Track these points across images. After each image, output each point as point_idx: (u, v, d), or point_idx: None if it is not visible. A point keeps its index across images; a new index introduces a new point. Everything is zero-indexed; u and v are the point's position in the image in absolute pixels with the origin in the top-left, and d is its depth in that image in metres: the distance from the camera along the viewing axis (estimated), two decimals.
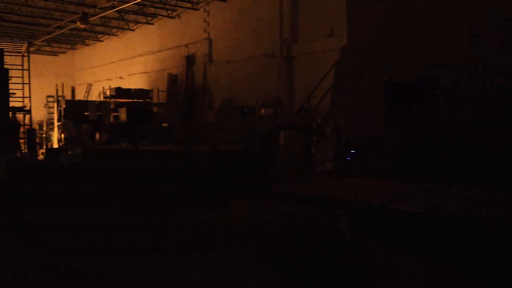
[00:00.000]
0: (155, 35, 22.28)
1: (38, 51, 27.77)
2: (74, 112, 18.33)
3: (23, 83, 13.31)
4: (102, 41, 26.14)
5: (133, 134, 14.18)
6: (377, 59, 8.67)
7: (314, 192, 4.59)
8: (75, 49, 28.73)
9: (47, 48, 27.72)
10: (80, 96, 26.09)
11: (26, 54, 13.71)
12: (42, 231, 4.94)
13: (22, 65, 13.31)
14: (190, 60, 20.18)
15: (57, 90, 20.38)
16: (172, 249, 4.51)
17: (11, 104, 14.68)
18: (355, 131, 8.36)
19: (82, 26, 18.47)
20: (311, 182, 6.74)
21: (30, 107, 13.29)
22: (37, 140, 23.33)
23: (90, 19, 20.00)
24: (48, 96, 23.98)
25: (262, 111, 15.18)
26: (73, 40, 26.70)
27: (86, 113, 18.58)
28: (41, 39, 23.91)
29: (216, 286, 3.95)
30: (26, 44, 13.53)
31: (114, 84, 21.76)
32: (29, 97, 13.58)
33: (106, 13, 18.84)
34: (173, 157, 6.12)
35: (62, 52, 28.74)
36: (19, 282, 4.08)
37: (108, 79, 25.21)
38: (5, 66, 12.23)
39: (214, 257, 4.27)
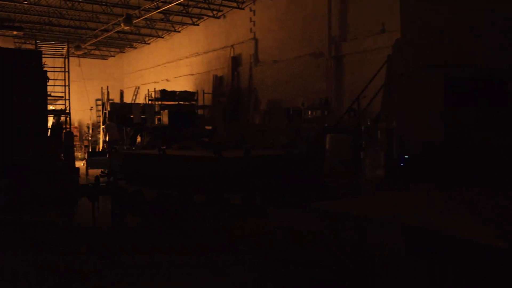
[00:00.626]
0: (201, 36, 21.94)
1: (88, 55, 28.14)
2: (119, 115, 18.18)
3: (64, 86, 13.11)
4: (149, 43, 26.10)
5: (174, 137, 13.78)
6: (435, 54, 7.78)
7: (360, 212, 3.84)
8: (123, 52, 28.88)
9: (97, 52, 28.02)
10: (128, 99, 26.16)
11: (66, 56, 13.48)
12: None
13: (65, 67, 13.12)
14: (235, 61, 19.67)
15: (102, 93, 20.31)
16: None
17: (53, 107, 14.63)
18: (410, 134, 7.50)
19: (126, 27, 18.31)
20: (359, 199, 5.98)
21: (69, 109, 13.10)
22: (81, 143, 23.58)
23: (135, 21, 19.89)
24: (97, 100, 24.16)
25: (309, 113, 14.44)
26: (121, 43, 26.82)
27: (131, 116, 18.43)
28: (89, 43, 24.07)
29: None
30: (65, 46, 13.33)
31: (161, 87, 21.55)
32: (69, 99, 13.37)
33: (150, 14, 18.60)
34: (198, 164, 5.51)
35: (111, 56, 28.98)
36: None
37: (155, 82, 25.12)
38: (46, 68, 12.04)
39: None
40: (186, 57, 23.05)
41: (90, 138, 22.28)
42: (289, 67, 17.03)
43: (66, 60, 14.07)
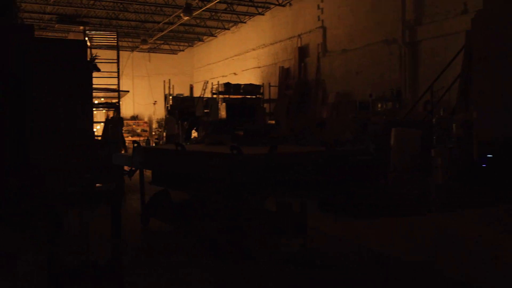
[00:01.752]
0: (267, 26, 20.98)
1: (158, 50, 28.09)
2: (181, 109, 17.66)
3: (118, 77, 12.61)
4: (216, 36, 25.53)
5: (232, 131, 12.88)
6: None
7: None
8: (192, 46, 28.57)
9: (166, 47, 27.90)
10: (198, 94, 25.83)
11: (116, 46, 12.90)
12: None
13: (118, 59, 12.63)
14: (302, 51, 18.55)
15: (164, 87, 19.94)
16: None
17: (105, 100, 14.26)
18: (492, 130, 6.10)
19: (186, 18, 17.71)
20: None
21: (119, 102, 12.60)
22: (151, 138, 23.42)
23: (200, 13, 19.32)
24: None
25: (379, 105, 13.06)
26: (189, 37, 26.49)
27: (194, 110, 17.86)
28: (156, 37, 23.85)
29: None
30: (115, 34, 12.83)
31: (229, 80, 20.85)
32: (118, 91, 12.85)
33: (212, 3, 17.88)
34: (214, 162, 4.54)
35: (181, 50, 28.76)
36: None
37: (223, 76, 24.53)
38: (97, 60, 11.60)
39: None
40: (253, 49, 22.20)
41: (153, 133, 22.07)
42: (359, 56, 15.70)
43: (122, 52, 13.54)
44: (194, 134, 14.73)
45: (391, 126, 8.89)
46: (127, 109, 27.37)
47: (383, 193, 7.18)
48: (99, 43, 13.08)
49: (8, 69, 9.36)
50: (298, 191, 4.82)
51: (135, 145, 6.05)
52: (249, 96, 19.23)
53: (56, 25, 19.71)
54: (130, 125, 27.25)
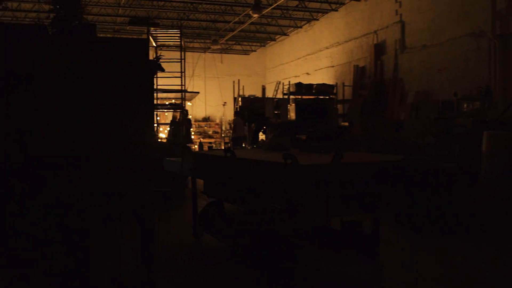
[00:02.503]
0: (341, 23, 19.95)
1: (230, 50, 27.79)
2: (250, 110, 17.08)
3: (181, 77, 12.15)
4: (288, 35, 24.79)
5: (301, 133, 12.11)
6: None
7: None
8: (264, 46, 28.01)
9: (238, 47, 27.53)
10: (270, 95, 25.25)
11: (179, 45, 12.37)
12: None
13: (182, 58, 12.17)
14: (379, 48, 17.38)
15: (233, 88, 19.46)
16: None
17: (175, 101, 13.90)
18: None
19: (255, 15, 17.10)
20: None
21: (183, 103, 12.09)
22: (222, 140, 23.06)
23: (271, 11, 18.69)
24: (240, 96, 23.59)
25: (465, 105, 11.74)
26: (261, 37, 25.94)
27: (263, 111, 17.22)
28: (227, 37, 23.47)
29: None
30: (178, 32, 12.33)
31: (302, 81, 20.05)
32: (182, 91, 12.39)
33: (282, 0, 17.15)
34: (266, 172, 3.78)
35: (253, 51, 28.27)
36: None
37: (295, 76, 23.76)
38: (164, 61, 11.24)
39: None
40: (327, 48, 21.24)
41: (223, 135, 21.70)
42: (441, 52, 14.35)
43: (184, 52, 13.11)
44: (262, 136, 14.09)
45: (480, 129, 7.72)
46: (199, 111, 27.32)
47: (471, 206, 6.12)
48: (163, 42, 12.73)
49: (69, 70, 9.14)
50: (367, 206, 3.98)
51: (185, 149, 5.44)
52: (321, 97, 18.32)
53: (128, 27, 19.80)
54: (201, 127, 27.14)
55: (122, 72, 9.49)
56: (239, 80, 19.83)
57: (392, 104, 16.18)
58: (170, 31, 11.79)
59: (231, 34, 22.62)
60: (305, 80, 20.22)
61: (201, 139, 26.22)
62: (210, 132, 26.98)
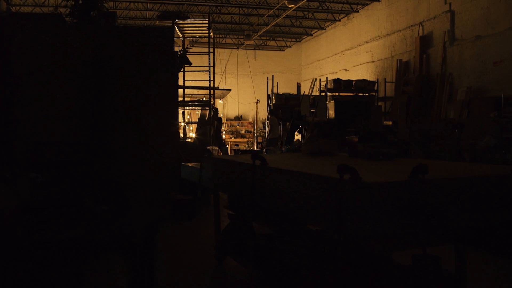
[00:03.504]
0: (383, 15, 18.60)
1: (264, 47, 26.71)
2: (285, 108, 15.98)
3: (209, 72, 11.09)
4: (325, 29, 23.52)
5: (340, 133, 10.97)
6: None
7: None
8: (300, 41, 26.80)
9: (272, 43, 26.41)
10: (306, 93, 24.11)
11: (208, 35, 11.22)
12: None
13: (211, 52, 11.08)
14: (424, 41, 15.99)
15: (267, 85, 18.36)
16: None
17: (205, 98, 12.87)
18: None
19: (291, 5, 15.95)
20: None
21: (210, 99, 10.98)
22: (254, 140, 21.99)
23: (306, 1, 17.52)
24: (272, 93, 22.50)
25: None
26: (297, 31, 24.75)
27: (299, 110, 16.08)
28: (261, 31, 22.35)
29: None
30: (206, 22, 11.22)
31: (340, 77, 18.85)
32: (210, 87, 11.31)
33: None
34: (308, 190, 2.65)
35: (288, 47, 27.09)
36: None
37: (332, 73, 22.53)
38: (190, 55, 10.23)
39: None
40: (366, 42, 19.92)
41: (256, 135, 20.60)
42: (499, 42, 12.93)
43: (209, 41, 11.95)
44: (298, 136, 12.97)
45: None
46: (231, 109, 26.35)
47: None
48: (191, 34, 11.69)
49: (87, 62, 8.28)
50: (451, 235, 2.83)
51: (206, 154, 4.39)
52: (361, 94, 17.04)
53: (157, 21, 18.95)
54: (234, 126, 26.15)
55: (144, 63, 8.56)
56: (273, 76, 18.70)
57: (440, 102, 14.79)
58: (197, 21, 10.76)
59: (266, 28, 21.48)
60: (343, 77, 18.99)
61: (233, 138, 25.25)
62: (243, 132, 25.94)
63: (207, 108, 11.53)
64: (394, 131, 11.54)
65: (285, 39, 26.14)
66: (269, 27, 21.06)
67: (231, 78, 26.31)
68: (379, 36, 18.95)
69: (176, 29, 10.85)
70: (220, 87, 20.73)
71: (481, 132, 10.18)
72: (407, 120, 13.39)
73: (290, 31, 24.42)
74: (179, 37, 11.88)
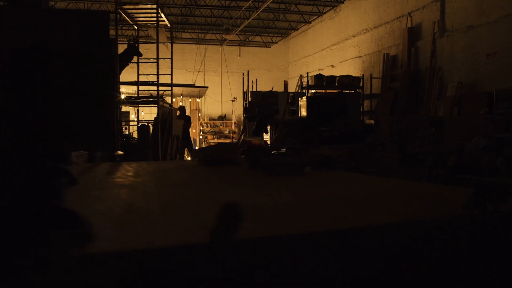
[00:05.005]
0: (370, 7, 17.30)
1: (249, 43, 25.42)
2: (262, 106, 14.69)
3: (157, 66, 9.66)
4: (310, 22, 22.21)
5: (313, 134, 9.67)
6: None
7: None
8: (287, 37, 25.46)
9: (257, 38, 25.10)
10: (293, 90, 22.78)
11: (156, 25, 9.77)
12: None
13: (157, 38, 9.64)
14: (413, 33, 14.70)
15: (243, 83, 17.07)
16: None
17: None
18: None
19: None
20: None
21: (158, 98, 9.57)
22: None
23: None
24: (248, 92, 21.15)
25: None
26: (282, 26, 23.44)
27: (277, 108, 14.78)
28: (243, 25, 20.97)
29: None
30: (154, 8, 9.67)
31: (328, 74, 17.54)
32: (157, 84, 9.86)
33: None
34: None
35: (273, 43, 25.77)
36: None
37: (319, 69, 21.22)
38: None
39: None
40: (353, 36, 18.62)
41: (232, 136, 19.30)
42: (492, 33, 11.64)
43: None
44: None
45: None
46: (214, 108, 25.01)
47: None
48: (143, 21, 10.29)
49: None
50: None
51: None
52: (346, 91, 15.72)
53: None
54: (217, 126, 24.83)
55: (75, 50, 7.31)
56: (248, 71, 17.42)
57: (429, 99, 13.49)
58: (144, 5, 9.31)
59: (247, 22, 20.15)
60: (330, 73, 17.68)
61: (216, 139, 23.96)
62: (226, 132, 24.63)
63: (167, 106, 10.18)
64: (374, 131, 10.22)
65: (270, 34, 24.83)
66: (250, 20, 19.72)
67: (215, 76, 25.03)
68: (366, 29, 17.66)
69: (124, 15, 9.53)
70: (197, 85, 19.42)
71: (472, 132, 8.89)
72: (390, 118, 12.06)
73: (275, 25, 23.12)
74: (130, 24, 10.51)
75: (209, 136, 24.11)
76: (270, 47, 25.96)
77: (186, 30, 23.18)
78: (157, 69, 9.03)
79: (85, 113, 7.52)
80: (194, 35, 24.03)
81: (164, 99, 10.15)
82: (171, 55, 10.41)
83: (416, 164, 6.78)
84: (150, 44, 11.16)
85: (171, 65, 10.40)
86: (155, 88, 11.73)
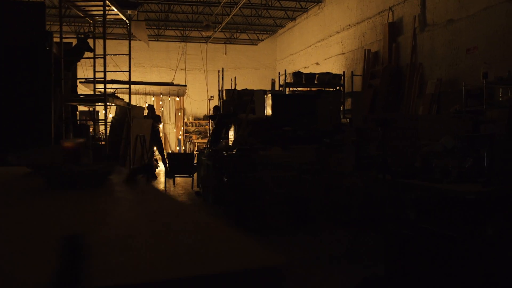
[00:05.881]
0: (354, 2, 16.69)
1: (235, 40, 24.82)
2: (237, 105, 14.08)
3: (104, 63, 8.94)
4: (294, 19, 21.62)
5: (278, 134, 9.12)
6: None
7: None
8: (273, 34, 24.84)
9: (244, 36, 24.48)
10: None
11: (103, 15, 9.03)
12: None
13: (104, 31, 8.87)
14: (394, 28, 14.09)
15: (218, 81, 16.49)
16: None
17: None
18: None
19: None
20: None
21: (105, 96, 8.87)
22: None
23: None
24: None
25: (500, 93, 8.42)
26: (267, 23, 22.84)
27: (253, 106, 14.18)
28: (225, 21, 20.32)
29: None
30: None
31: (313, 72, 16.90)
32: (104, 81, 9.11)
33: None
34: None
35: (260, 40, 25.15)
36: None
37: (305, 67, 20.63)
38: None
39: None
40: (337, 32, 18.01)
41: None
42: (472, 26, 11.04)
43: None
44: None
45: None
46: (199, 107, 24.39)
47: None
48: (95, 15, 9.61)
49: None
50: None
51: None
52: (326, 89, 15.11)
53: None
54: (202, 126, 24.24)
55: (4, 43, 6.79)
56: (222, 68, 16.81)
57: (409, 96, 12.89)
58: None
59: (228, 18, 19.54)
60: (316, 71, 17.05)
61: (200, 139, 23.39)
62: None
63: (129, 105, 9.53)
64: (342, 130, 9.63)
65: (256, 32, 24.22)
66: (231, 16, 19.10)
67: (199, 74, 24.43)
68: (349, 25, 17.05)
69: (74, 8, 8.90)
70: (181, 83, 18.82)
71: (445, 131, 8.28)
72: (364, 116, 11.46)
73: (260, 22, 22.51)
74: (83, 17, 9.88)
75: (193, 135, 23.55)
76: (256, 44, 25.35)
77: (169, 27, 22.59)
78: (104, 65, 8.41)
79: (15, 111, 6.96)
80: (178, 33, 23.45)
81: (117, 97, 9.54)
82: (129, 52, 9.80)
83: (370, 167, 6.20)
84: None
85: (129, 62, 9.80)
86: (122, 86, 11.16)
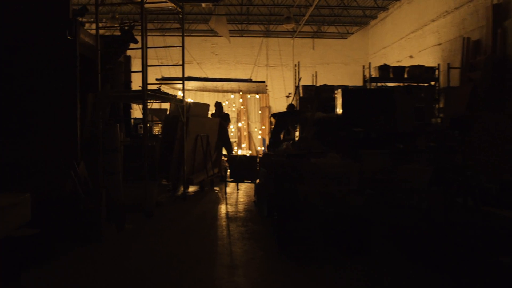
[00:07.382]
0: None
1: (323, 34, 23.36)
2: (320, 101, 12.79)
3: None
4: (387, 9, 19.73)
5: (350, 136, 7.77)
6: None
7: None
8: (365, 26, 23.02)
9: (332, 29, 22.93)
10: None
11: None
12: None
13: (142, 24, 7.90)
14: (499, 11, 11.98)
15: (296, 77, 15.18)
16: None
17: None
18: None
19: None
20: None
21: (144, 92, 7.90)
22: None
23: None
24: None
25: None
26: (356, 14, 21.14)
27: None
28: (308, 12, 18.94)
29: None
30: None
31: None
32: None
33: None
34: None
35: (350, 33, 23.44)
36: None
37: (397, 61, 18.77)
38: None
39: None
40: (432, 21, 15.99)
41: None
42: None
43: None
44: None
45: None
46: (284, 105, 23.24)
47: None
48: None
49: None
50: None
51: None
52: (415, 84, 13.31)
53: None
54: None
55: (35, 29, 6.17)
56: (299, 62, 15.49)
57: None
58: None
59: (311, 9, 18.13)
60: (408, 64, 15.24)
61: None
62: None
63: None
64: (427, 132, 8.01)
65: (346, 24, 22.58)
66: (313, 7, 17.66)
67: (286, 70, 23.29)
68: (446, 12, 15.00)
69: None
70: (255, 80, 17.81)
71: None
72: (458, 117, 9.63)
73: (349, 13, 20.89)
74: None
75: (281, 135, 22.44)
76: (346, 38, 23.67)
77: (251, 22, 21.71)
78: (143, 59, 7.47)
79: (36, 112, 6.27)
80: (262, 27, 22.51)
81: (164, 93, 8.62)
82: (182, 44, 8.88)
83: (451, 184, 4.66)
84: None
85: (183, 56, 8.86)
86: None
